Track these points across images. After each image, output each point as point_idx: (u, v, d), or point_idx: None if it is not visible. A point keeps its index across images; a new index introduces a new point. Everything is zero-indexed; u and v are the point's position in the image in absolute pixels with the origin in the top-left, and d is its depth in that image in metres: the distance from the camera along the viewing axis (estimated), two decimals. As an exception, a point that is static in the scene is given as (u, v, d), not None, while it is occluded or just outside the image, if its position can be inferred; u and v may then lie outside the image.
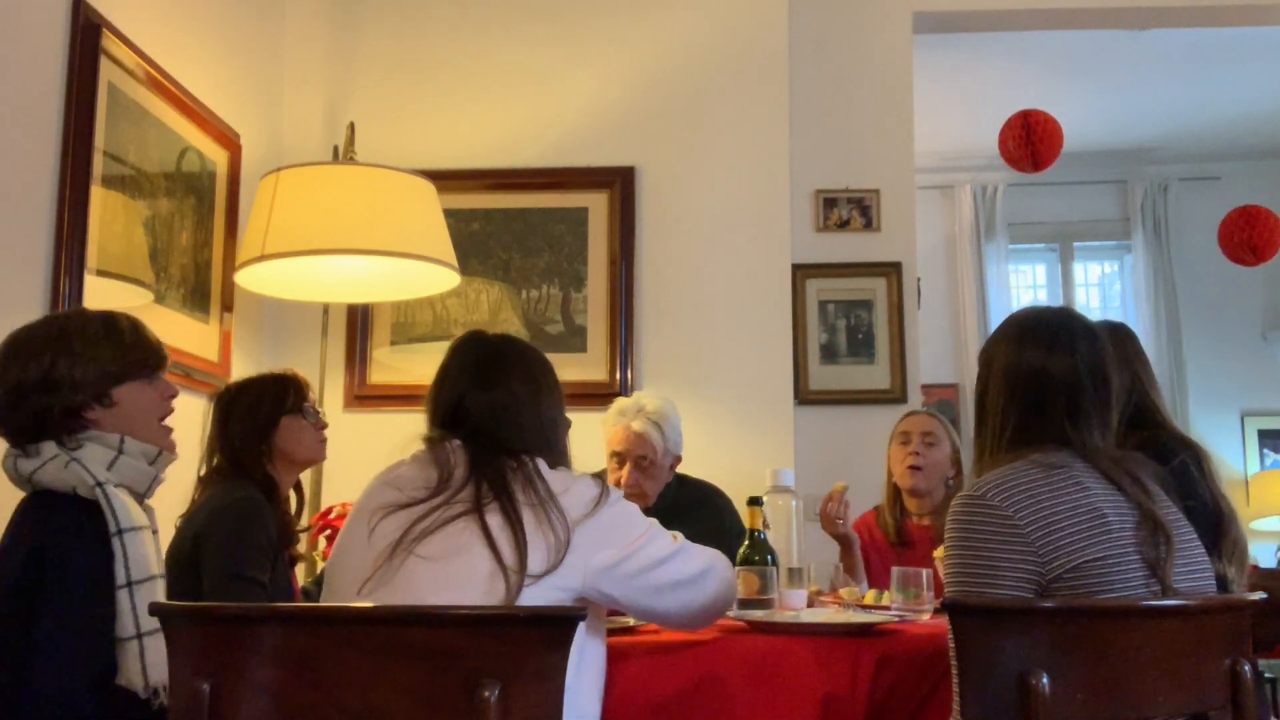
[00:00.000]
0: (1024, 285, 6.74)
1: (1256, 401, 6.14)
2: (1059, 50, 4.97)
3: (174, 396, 1.92)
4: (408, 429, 3.84)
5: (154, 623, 1.65)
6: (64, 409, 1.77)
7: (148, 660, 1.65)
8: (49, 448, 1.76)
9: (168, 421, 1.90)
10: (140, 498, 1.81)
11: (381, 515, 1.64)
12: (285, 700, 1.27)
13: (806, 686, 1.80)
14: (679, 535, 1.79)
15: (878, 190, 3.88)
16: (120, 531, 1.70)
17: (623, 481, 2.83)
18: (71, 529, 1.71)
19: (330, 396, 3.44)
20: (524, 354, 1.85)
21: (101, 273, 2.52)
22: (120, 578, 1.68)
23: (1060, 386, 1.67)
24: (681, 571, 1.72)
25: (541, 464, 1.70)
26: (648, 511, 2.85)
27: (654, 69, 3.70)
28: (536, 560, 1.57)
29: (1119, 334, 2.30)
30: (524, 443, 1.72)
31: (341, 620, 1.33)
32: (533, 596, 1.56)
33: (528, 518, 1.60)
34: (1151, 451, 2.03)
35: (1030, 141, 4.01)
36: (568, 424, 1.87)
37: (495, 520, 1.59)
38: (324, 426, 2.43)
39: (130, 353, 1.85)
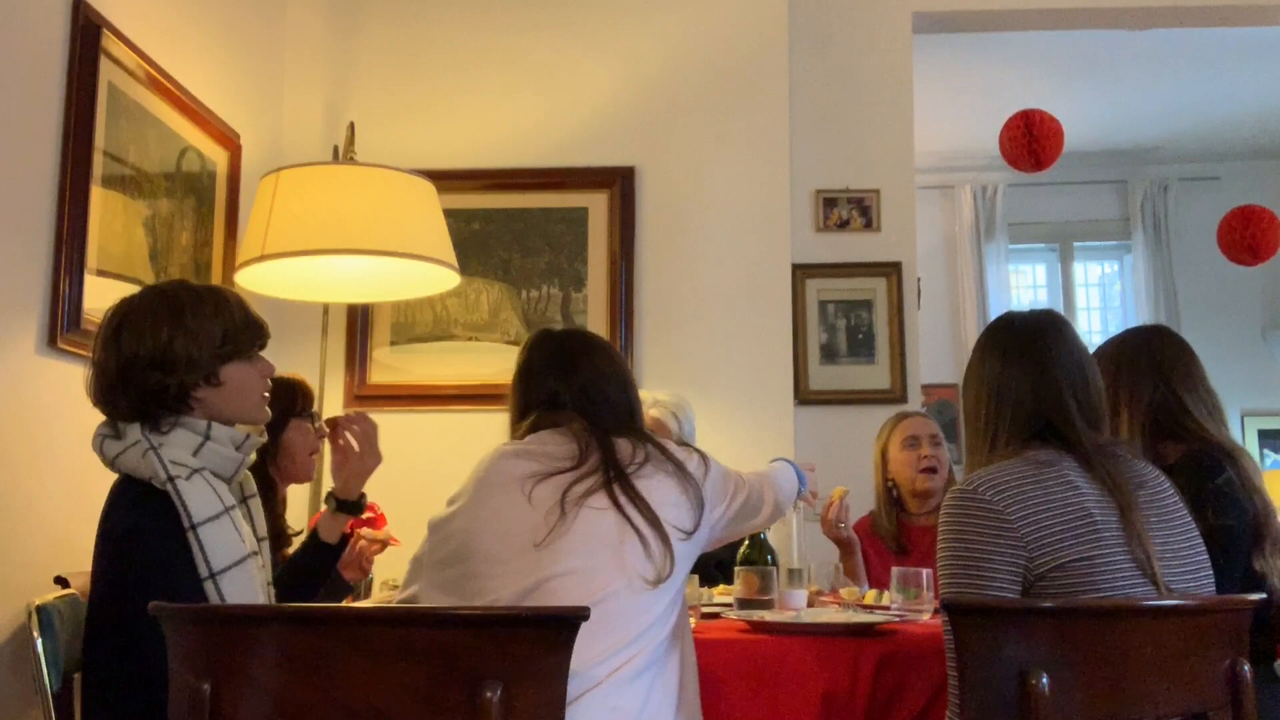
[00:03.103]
0: (1024, 285, 6.74)
1: (1256, 401, 6.15)
2: (1059, 50, 4.97)
3: (271, 374, 1.90)
4: (408, 429, 3.85)
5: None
6: (178, 388, 1.74)
7: None
8: (134, 432, 1.73)
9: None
10: (226, 482, 1.79)
11: (535, 482, 1.72)
12: (286, 701, 1.27)
13: (806, 686, 1.80)
14: (741, 473, 1.98)
15: (878, 190, 3.88)
16: (194, 526, 1.67)
17: None
18: (149, 519, 1.69)
19: (330, 396, 3.44)
20: (597, 341, 1.99)
21: (101, 273, 2.52)
22: (202, 570, 1.66)
23: (1038, 391, 1.69)
24: (756, 508, 2.00)
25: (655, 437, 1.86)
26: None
27: (654, 69, 3.70)
28: (685, 519, 1.75)
29: (1145, 337, 2.24)
30: (617, 422, 1.84)
31: (343, 621, 1.33)
32: (681, 552, 1.72)
33: (669, 485, 1.76)
34: (1194, 469, 2.02)
35: (1031, 141, 4.00)
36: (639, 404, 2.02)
37: (625, 498, 1.71)
38: (323, 436, 2.42)
39: (241, 333, 1.82)
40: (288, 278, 3.10)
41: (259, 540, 1.87)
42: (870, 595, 2.42)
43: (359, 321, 3.60)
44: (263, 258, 2.83)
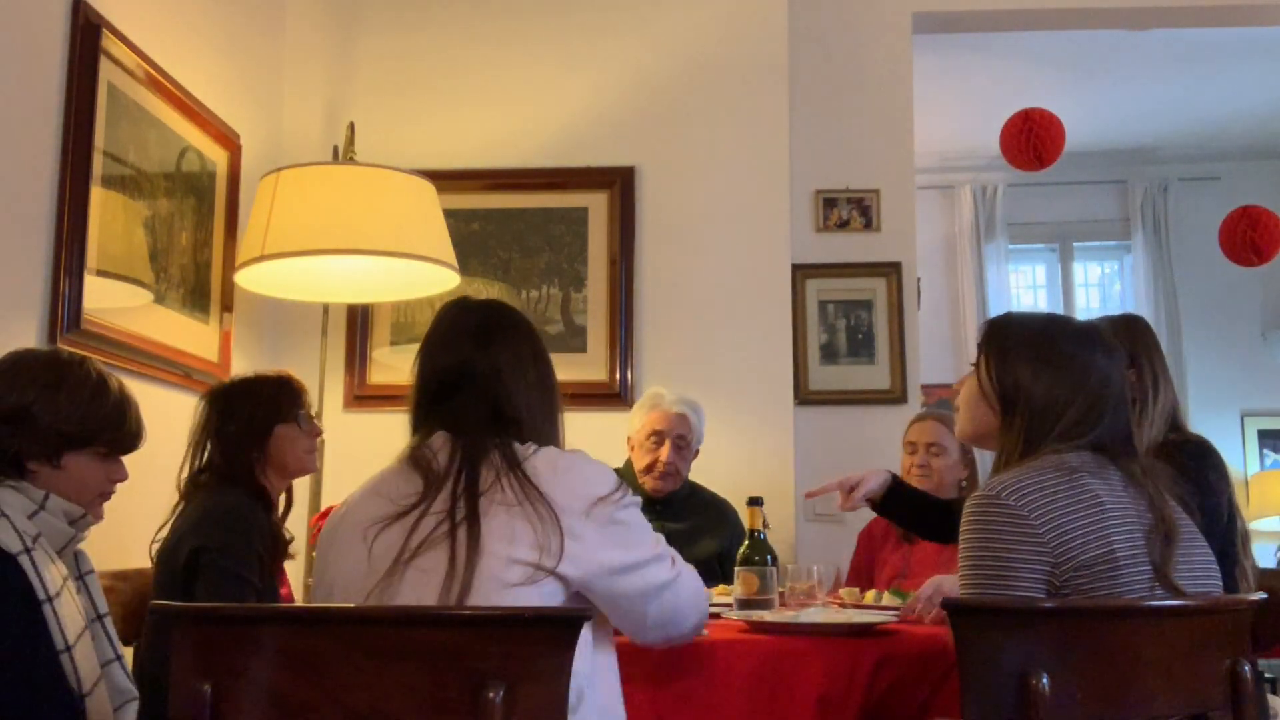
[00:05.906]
0: (1024, 285, 6.74)
1: (1256, 401, 6.14)
2: (1059, 50, 4.97)
3: (121, 480, 1.82)
4: (408, 429, 3.82)
5: (95, 678, 1.64)
6: (15, 452, 1.69)
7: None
8: None
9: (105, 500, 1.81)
10: (59, 554, 1.71)
11: (378, 530, 1.54)
12: (287, 701, 1.27)
13: (806, 686, 1.80)
14: (676, 556, 1.67)
15: (878, 190, 3.88)
16: (50, 599, 1.61)
17: (662, 459, 3.00)
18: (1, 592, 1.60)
19: (330, 396, 3.44)
20: (518, 318, 1.77)
21: (101, 273, 2.52)
22: (59, 643, 1.61)
23: (1082, 396, 1.68)
24: (673, 600, 1.62)
25: (534, 450, 1.59)
26: (668, 499, 2.97)
27: (654, 69, 3.70)
28: (524, 550, 1.49)
29: (1134, 327, 2.28)
30: (522, 407, 1.64)
31: (345, 621, 1.33)
32: (528, 595, 1.48)
33: (504, 514, 1.50)
34: (1169, 459, 2.04)
35: (1032, 139, 4.01)
36: (561, 403, 1.77)
37: (463, 531, 1.49)
38: (318, 434, 2.37)
39: (104, 429, 1.76)
40: (288, 278, 3.10)
41: (99, 616, 1.78)
42: (870, 595, 2.43)
43: (359, 321, 3.60)
44: (263, 258, 2.83)
